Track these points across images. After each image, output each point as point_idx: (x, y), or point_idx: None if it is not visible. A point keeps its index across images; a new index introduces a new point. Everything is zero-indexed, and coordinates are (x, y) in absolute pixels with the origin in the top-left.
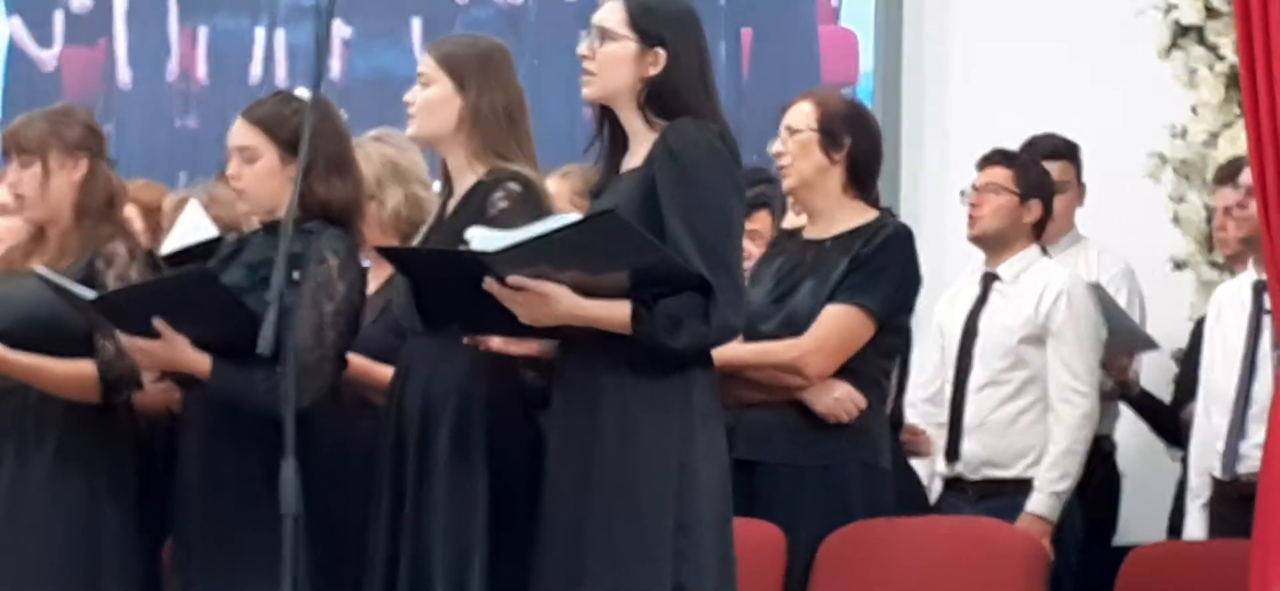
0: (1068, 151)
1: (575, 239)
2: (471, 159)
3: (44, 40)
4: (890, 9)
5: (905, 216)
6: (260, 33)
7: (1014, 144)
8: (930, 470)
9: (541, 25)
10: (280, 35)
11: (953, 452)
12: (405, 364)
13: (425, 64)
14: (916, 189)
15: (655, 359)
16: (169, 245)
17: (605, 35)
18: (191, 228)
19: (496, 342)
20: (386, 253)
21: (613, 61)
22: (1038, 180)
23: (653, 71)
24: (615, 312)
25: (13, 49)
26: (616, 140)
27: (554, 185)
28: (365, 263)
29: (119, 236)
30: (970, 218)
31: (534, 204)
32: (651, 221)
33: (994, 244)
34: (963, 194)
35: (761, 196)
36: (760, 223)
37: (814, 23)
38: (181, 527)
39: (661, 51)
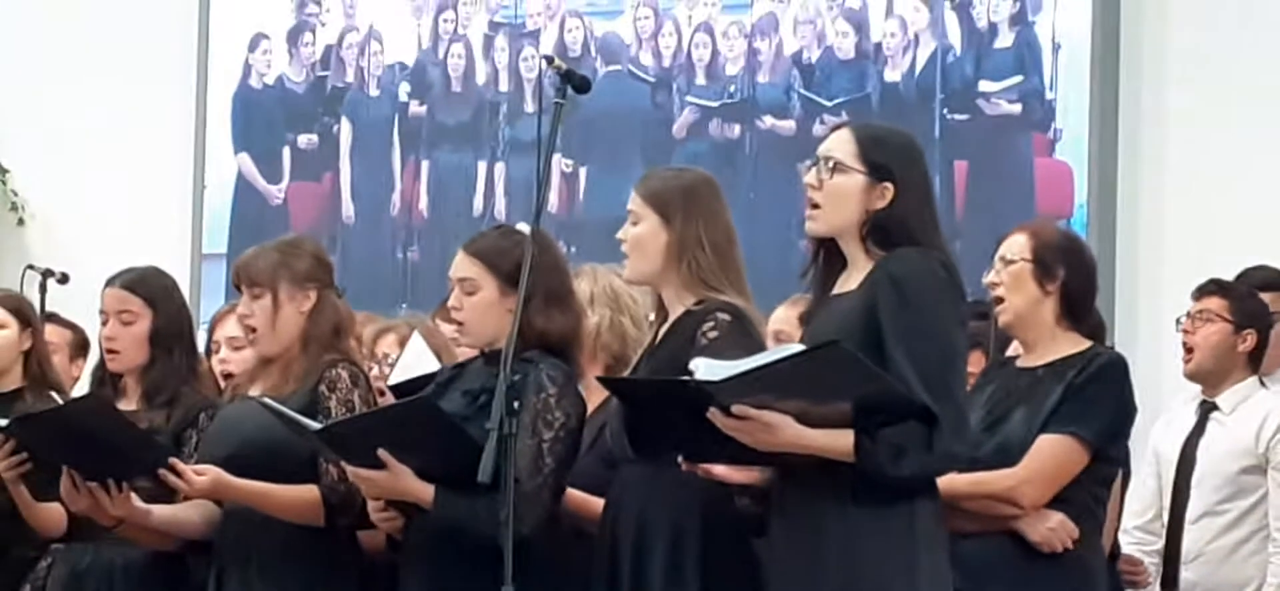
0: None
1: (801, 369)
2: (681, 290)
3: (272, 176)
4: (1105, 141)
5: (1119, 345)
6: (482, 166)
7: (1229, 275)
8: None
9: (758, 158)
10: (501, 169)
11: (1170, 582)
12: (617, 493)
13: (633, 201)
14: (1133, 319)
15: (878, 488)
16: (396, 376)
17: (835, 167)
18: (416, 358)
19: (720, 470)
20: (608, 382)
21: (841, 194)
22: (1253, 310)
23: (879, 205)
24: (839, 442)
25: (242, 183)
26: (831, 265)
27: (784, 312)
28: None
29: (343, 363)
30: (1185, 346)
31: (744, 333)
32: (871, 349)
33: (1210, 377)
34: (1178, 322)
35: (973, 336)
36: (972, 363)
37: (1030, 155)
38: None
39: (889, 186)
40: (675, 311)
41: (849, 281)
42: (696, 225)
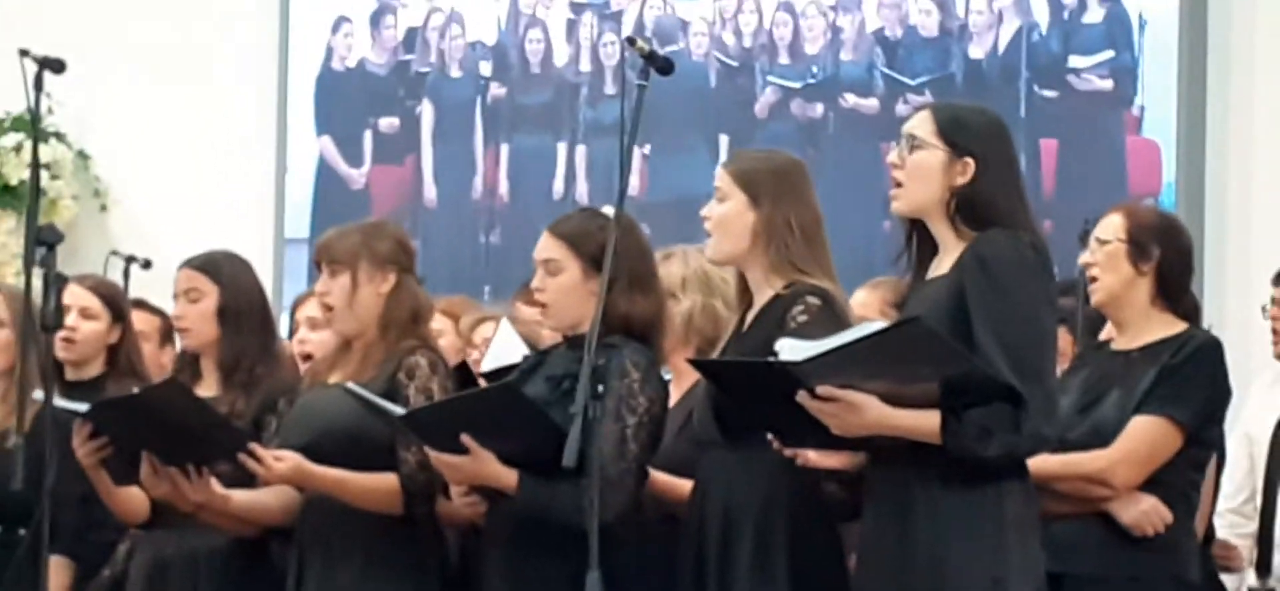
0: None
1: (883, 346)
2: (769, 273)
3: (353, 159)
4: (1193, 118)
5: (1208, 325)
6: (562, 149)
7: None
8: (1239, 583)
9: (840, 138)
10: (581, 151)
11: (1263, 566)
12: (705, 477)
13: (721, 179)
14: (1221, 299)
15: (966, 470)
16: (487, 364)
17: (915, 144)
18: (505, 346)
19: (812, 456)
20: (697, 364)
21: (922, 170)
22: None
23: (961, 181)
24: (925, 422)
25: (323, 167)
26: (924, 249)
27: (864, 295)
28: (666, 375)
29: (421, 349)
30: (1274, 331)
31: (833, 317)
32: (960, 330)
33: None
34: (1263, 309)
35: (1060, 312)
36: (1059, 340)
37: (1121, 133)
38: None
39: (970, 161)
40: (763, 295)
41: (941, 265)
42: (785, 208)
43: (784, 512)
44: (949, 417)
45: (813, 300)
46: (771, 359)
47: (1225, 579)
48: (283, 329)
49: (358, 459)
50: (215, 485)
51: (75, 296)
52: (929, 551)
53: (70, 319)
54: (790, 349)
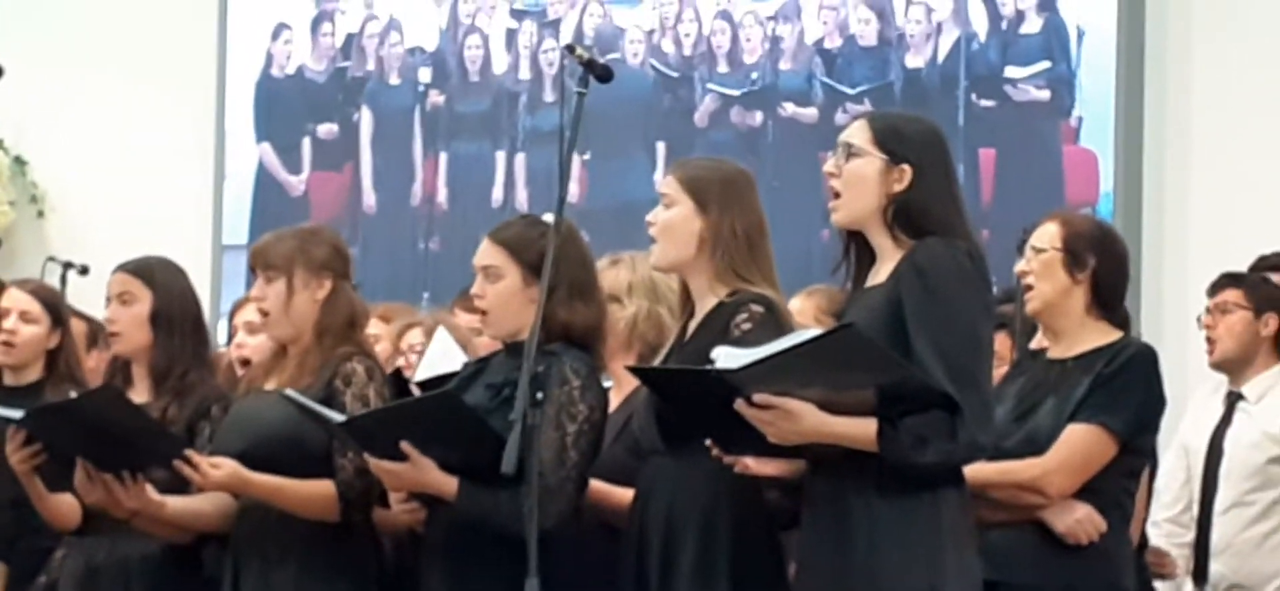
0: None
1: (818, 353)
2: (713, 281)
3: (292, 166)
4: (1130, 128)
5: (1145, 336)
6: (501, 156)
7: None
8: None
9: (780, 147)
10: (521, 159)
11: (1200, 574)
12: (646, 486)
13: (668, 185)
14: (1158, 309)
15: (903, 478)
16: (422, 372)
17: (851, 152)
18: (442, 354)
19: (751, 463)
20: (637, 371)
21: (858, 178)
22: (1270, 294)
23: (898, 188)
24: (861, 429)
25: (262, 174)
26: (862, 258)
27: (799, 303)
28: (607, 382)
29: (357, 356)
30: (1208, 341)
31: (777, 325)
32: (897, 339)
33: (1236, 364)
34: (1198, 320)
35: (1000, 317)
36: (999, 345)
37: (1058, 142)
38: None
39: (907, 168)
40: (706, 303)
41: (879, 274)
42: (732, 216)
43: (726, 520)
44: (885, 425)
45: (757, 308)
46: (708, 367)
47: (1159, 586)
48: (221, 335)
49: (294, 465)
50: (150, 492)
51: (15, 300)
52: (866, 559)
53: (10, 322)
54: (727, 356)
